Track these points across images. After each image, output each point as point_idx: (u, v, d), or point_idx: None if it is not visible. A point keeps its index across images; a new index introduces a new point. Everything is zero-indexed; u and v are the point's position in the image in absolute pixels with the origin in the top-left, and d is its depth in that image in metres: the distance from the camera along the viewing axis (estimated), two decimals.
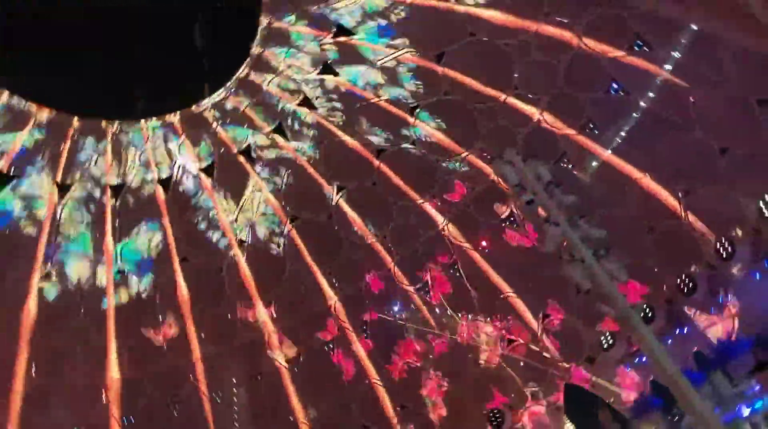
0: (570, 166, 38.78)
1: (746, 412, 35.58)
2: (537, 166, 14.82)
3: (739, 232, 30.64)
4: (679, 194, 33.96)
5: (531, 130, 38.66)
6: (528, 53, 36.51)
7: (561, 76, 36.18)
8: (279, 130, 43.72)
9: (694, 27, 29.96)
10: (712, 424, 9.68)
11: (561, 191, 14.28)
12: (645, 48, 32.93)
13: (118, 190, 42.69)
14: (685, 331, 33.60)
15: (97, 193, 42.44)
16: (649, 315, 29.61)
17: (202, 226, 45.09)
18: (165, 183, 43.76)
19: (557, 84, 36.69)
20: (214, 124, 43.24)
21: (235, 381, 44.32)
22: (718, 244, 29.42)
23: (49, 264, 40.99)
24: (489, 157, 38.24)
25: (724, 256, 29.07)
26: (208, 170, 44.38)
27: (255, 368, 44.49)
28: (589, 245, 12.10)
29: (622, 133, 37.21)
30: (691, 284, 30.41)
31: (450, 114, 41.36)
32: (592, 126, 37.90)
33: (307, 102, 42.72)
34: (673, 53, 31.75)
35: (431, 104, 41.44)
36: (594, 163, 39.97)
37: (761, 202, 27.54)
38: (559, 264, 12.21)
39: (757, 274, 30.37)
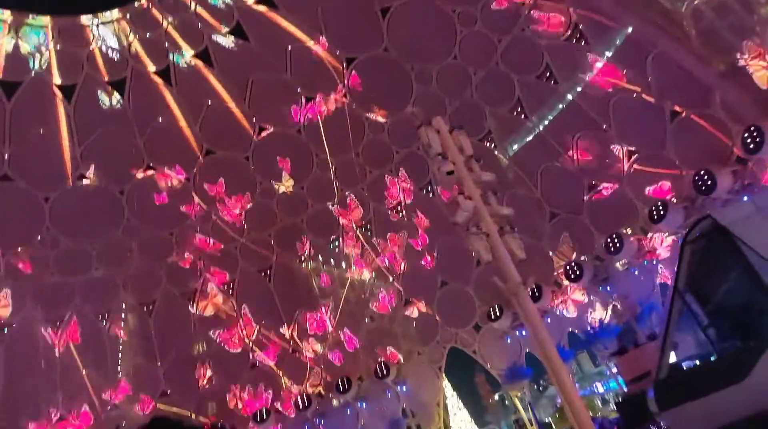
0: (492, 146, 40.17)
1: (600, 389, 40.00)
2: (462, 139, 15.05)
3: (629, 231, 33.48)
4: (585, 186, 36.33)
5: (462, 102, 39.53)
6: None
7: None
8: None
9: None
10: (572, 397, 10.74)
11: (480, 167, 14.66)
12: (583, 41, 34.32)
13: None
14: (564, 313, 36.57)
15: None
16: (536, 294, 31.88)
17: None
18: None
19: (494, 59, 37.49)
20: None
21: None
22: (608, 239, 31.96)
23: None
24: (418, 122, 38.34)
25: (612, 250, 31.67)
26: None
27: None
28: (495, 221, 12.66)
29: (546, 121, 38.86)
30: (578, 271, 32.96)
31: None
32: (520, 109, 39.24)
33: None
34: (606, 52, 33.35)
35: None
36: (515, 146, 41.61)
37: (653, 207, 30.10)
38: (466, 235, 12.70)
39: (635, 271, 33.61)
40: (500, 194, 16.16)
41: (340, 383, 41.78)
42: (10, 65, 40.39)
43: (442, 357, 42.29)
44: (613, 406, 36.16)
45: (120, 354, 45.94)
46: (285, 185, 44.88)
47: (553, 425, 44.01)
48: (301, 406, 41.97)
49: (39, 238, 42.32)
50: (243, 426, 42.05)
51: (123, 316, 46.69)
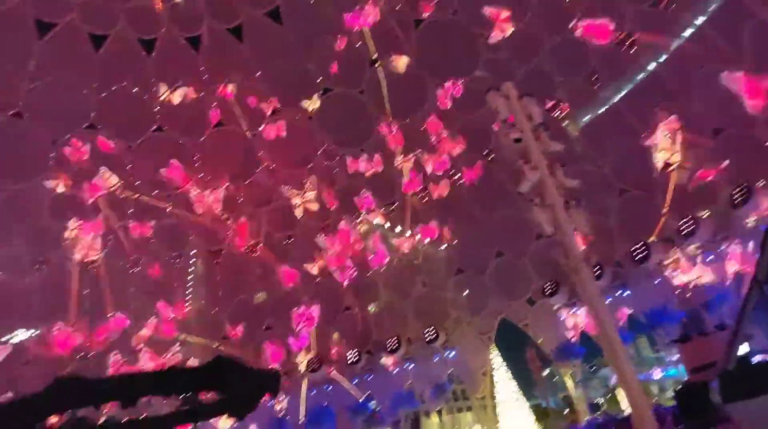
0: (561, 115, 38.48)
1: (658, 375, 38.65)
2: (531, 106, 14.45)
3: (705, 214, 31.46)
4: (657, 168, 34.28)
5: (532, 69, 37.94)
6: None
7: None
8: None
9: None
10: (630, 380, 10.37)
11: (548, 136, 14.07)
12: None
13: None
14: (624, 295, 35.27)
15: None
16: (598, 272, 30.77)
17: None
18: None
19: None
20: None
21: None
22: (682, 221, 30.19)
23: None
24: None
25: (685, 233, 29.93)
26: None
27: None
28: (561, 193, 12.18)
29: (622, 92, 36.74)
30: (644, 253, 31.48)
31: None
32: (595, 78, 37.25)
33: None
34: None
35: None
36: (585, 118, 39.73)
37: (737, 187, 28.05)
38: (529, 206, 12.32)
39: (709, 257, 31.68)
40: (567, 166, 15.46)
41: (390, 343, 42.67)
42: None
43: (492, 327, 42.11)
44: (670, 393, 34.88)
45: (188, 297, 48.93)
46: None
47: (604, 407, 43.19)
48: (350, 362, 43.33)
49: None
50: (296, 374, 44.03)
51: (192, 261, 49.51)
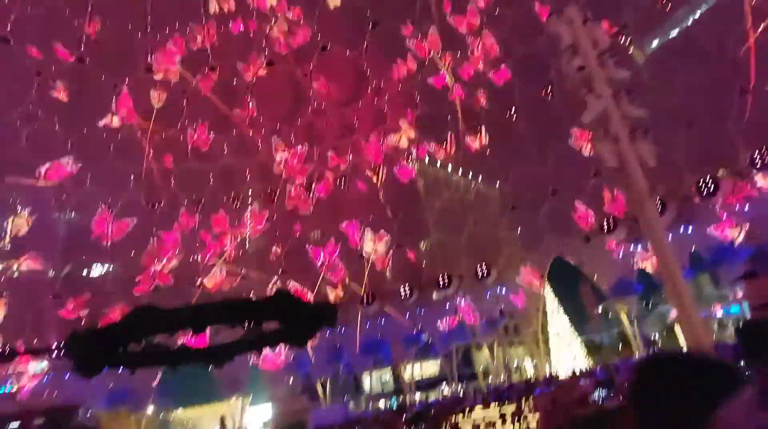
0: (628, 42, 35.80)
1: (719, 313, 37.54)
2: (596, 31, 13.43)
3: None
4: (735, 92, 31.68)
5: None
6: None
7: None
8: None
9: None
10: (692, 316, 10.07)
11: (614, 64, 13.16)
12: None
13: None
14: (689, 231, 33.85)
15: None
16: (662, 207, 29.45)
17: None
18: None
19: None
20: None
21: None
22: (755, 155, 28.14)
23: None
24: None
25: (758, 166, 27.98)
26: None
27: None
28: (626, 124, 11.48)
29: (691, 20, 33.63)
30: (712, 187, 29.76)
31: None
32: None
33: None
34: None
35: None
36: (654, 44, 36.85)
37: None
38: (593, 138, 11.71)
39: None
40: (633, 95, 14.48)
41: (441, 279, 43.29)
42: None
43: (545, 264, 41.74)
44: (731, 331, 33.95)
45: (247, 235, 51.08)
46: None
47: (660, 343, 42.74)
48: (403, 296, 44.45)
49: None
50: (352, 306, 45.72)
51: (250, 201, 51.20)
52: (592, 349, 49.81)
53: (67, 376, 38.78)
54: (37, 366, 39.74)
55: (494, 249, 42.77)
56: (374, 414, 40.44)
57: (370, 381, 48.84)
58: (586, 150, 34.33)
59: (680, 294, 9.95)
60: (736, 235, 30.63)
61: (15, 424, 30.05)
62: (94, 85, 42.47)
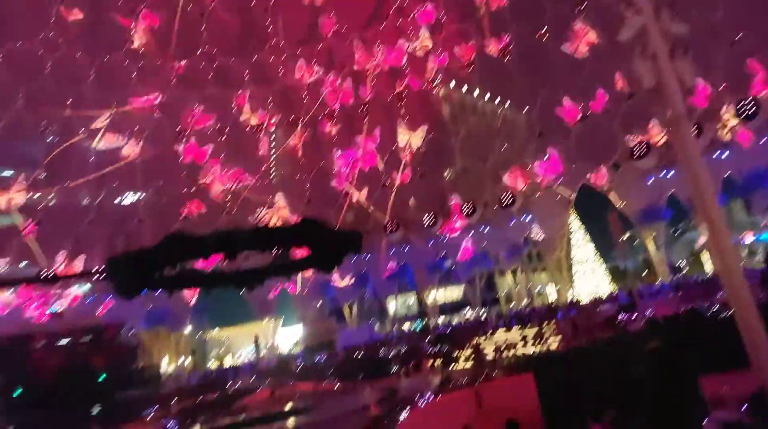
0: None
1: (749, 239, 37.00)
2: None
3: None
4: None
5: None
6: None
7: None
8: None
9: None
10: (723, 241, 9.90)
11: None
12: None
13: None
14: (723, 157, 32.74)
15: None
16: (697, 130, 28.27)
17: None
18: None
19: None
20: None
21: None
22: None
23: None
24: None
25: None
26: None
27: None
28: (667, 40, 10.76)
29: None
30: (753, 110, 28.29)
31: None
32: None
33: None
34: None
35: None
36: None
37: None
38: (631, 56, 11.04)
39: None
40: (675, 10, 13.46)
41: (465, 206, 43.27)
42: None
43: (572, 192, 41.22)
44: (760, 258, 33.56)
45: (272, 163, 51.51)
46: None
47: (685, 269, 42.69)
48: (426, 225, 44.79)
49: None
50: (377, 234, 46.48)
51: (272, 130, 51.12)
52: (616, 275, 50.20)
53: (108, 298, 41.11)
54: (80, 288, 42.07)
55: (520, 175, 42.22)
56: (399, 336, 42.13)
57: (394, 305, 50.47)
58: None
59: (712, 219, 9.70)
60: None
61: (64, 340, 32.32)
62: (114, 8, 41.72)
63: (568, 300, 40.57)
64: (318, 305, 50.39)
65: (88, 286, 42.02)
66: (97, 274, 31.87)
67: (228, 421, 23.87)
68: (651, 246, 38.23)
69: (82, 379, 30.43)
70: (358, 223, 45.62)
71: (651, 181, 36.33)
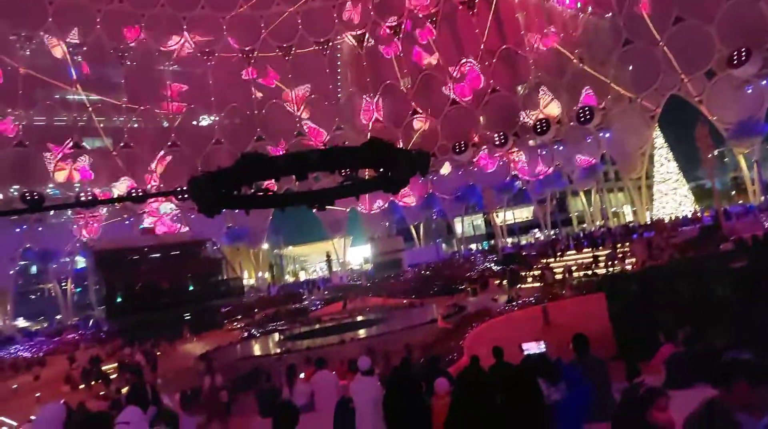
0: None
1: None
2: None
3: None
4: None
5: None
6: None
7: None
8: None
9: None
10: None
11: None
12: None
13: None
14: None
15: None
16: None
17: None
18: None
19: None
20: None
21: None
22: None
23: None
24: None
25: None
26: None
27: None
28: None
29: None
30: None
31: None
32: None
33: None
34: None
35: None
36: None
37: None
38: None
39: None
40: None
41: (538, 124, 41.48)
42: None
43: (658, 105, 38.20)
44: None
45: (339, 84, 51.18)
46: None
47: None
48: (498, 143, 43.57)
49: None
50: (445, 154, 45.94)
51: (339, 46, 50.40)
52: (700, 195, 47.23)
53: (192, 216, 44.00)
54: (167, 206, 45.22)
55: (601, 89, 39.46)
56: (465, 255, 42.53)
57: (461, 225, 50.53)
58: None
59: None
60: None
61: (156, 254, 35.26)
62: None
63: (646, 221, 38.89)
64: (386, 225, 51.45)
65: (172, 205, 45.09)
66: (181, 194, 33.99)
67: (304, 330, 25.62)
68: (743, 163, 35.27)
69: (174, 289, 33.42)
70: (425, 142, 45.11)
71: (749, 91, 32.90)
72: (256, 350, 21.98)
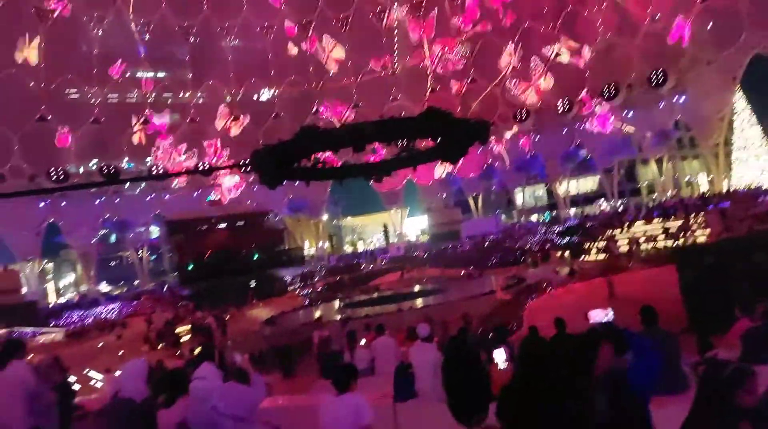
0: None
1: None
2: None
3: None
4: None
5: None
6: None
7: None
8: None
9: None
10: None
11: None
12: None
13: None
14: None
15: None
16: None
17: None
18: None
19: None
20: None
21: None
22: None
23: None
24: None
25: None
26: None
27: None
28: None
29: None
30: None
31: None
32: None
33: None
34: None
35: None
36: None
37: None
38: None
39: None
40: None
41: (606, 89, 39.47)
42: None
43: (740, 66, 35.27)
44: None
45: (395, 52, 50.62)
46: None
47: None
48: (561, 110, 41.92)
49: None
50: (505, 123, 44.81)
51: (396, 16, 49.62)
52: None
53: (255, 188, 45.44)
54: (231, 179, 46.92)
55: (674, 50, 36.85)
56: (526, 227, 41.70)
57: (522, 196, 49.38)
58: None
59: None
60: None
61: (223, 224, 36.87)
62: None
63: (724, 190, 36.50)
64: (443, 196, 51.09)
65: (237, 178, 46.69)
66: (244, 166, 35.13)
67: (362, 298, 26.20)
68: None
69: (240, 257, 34.96)
70: (485, 111, 44.03)
71: None
72: (318, 316, 22.75)
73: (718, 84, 36.18)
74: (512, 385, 2.88)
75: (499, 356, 6.45)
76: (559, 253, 27.93)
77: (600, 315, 7.44)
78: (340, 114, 47.06)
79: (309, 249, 52.93)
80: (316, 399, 3.51)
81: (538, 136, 43.91)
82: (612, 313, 7.47)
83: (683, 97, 38.08)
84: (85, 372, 15.72)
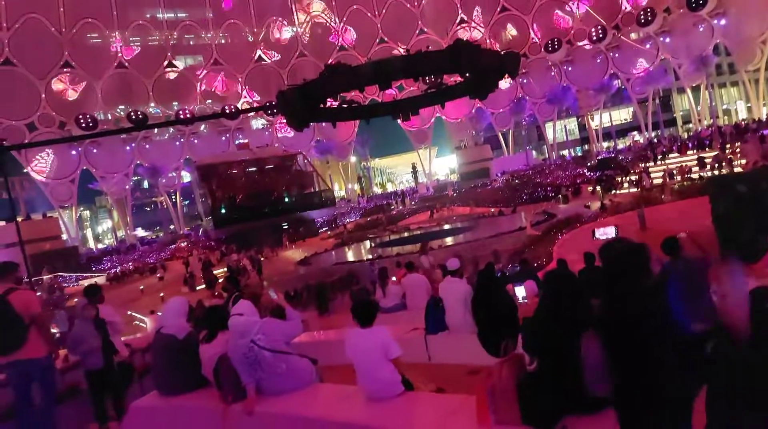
0: None
1: None
2: None
3: None
4: None
5: None
6: None
7: None
8: None
9: None
10: None
11: None
12: None
13: None
14: None
15: None
16: None
17: None
18: None
19: None
20: None
21: None
22: None
23: None
24: None
25: None
26: None
27: None
28: None
29: None
30: None
31: None
32: None
33: None
34: None
35: None
36: None
37: None
38: None
39: None
40: None
41: (642, 15, 37.30)
42: None
43: None
44: None
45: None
46: None
47: None
48: (594, 38, 40.01)
49: None
50: (536, 54, 43.07)
51: None
52: None
53: (282, 131, 45.43)
54: (258, 122, 46.93)
55: None
56: (557, 162, 40.88)
57: (553, 130, 48.07)
58: None
59: None
60: None
61: (253, 167, 37.16)
62: None
63: (763, 118, 34.81)
64: (472, 133, 50.17)
65: (263, 121, 46.66)
66: (271, 109, 35.01)
67: (393, 238, 26.53)
68: None
69: (271, 200, 35.51)
70: (513, 44, 42.28)
71: None
72: (350, 256, 23.25)
73: (760, 4, 33.60)
74: (536, 316, 2.96)
75: (520, 292, 6.60)
76: (590, 188, 27.49)
77: (606, 233, 7.44)
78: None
79: (338, 191, 53.26)
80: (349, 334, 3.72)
81: (570, 67, 42.19)
82: (614, 229, 7.44)
83: (723, 20, 35.73)
84: (129, 312, 16.63)
